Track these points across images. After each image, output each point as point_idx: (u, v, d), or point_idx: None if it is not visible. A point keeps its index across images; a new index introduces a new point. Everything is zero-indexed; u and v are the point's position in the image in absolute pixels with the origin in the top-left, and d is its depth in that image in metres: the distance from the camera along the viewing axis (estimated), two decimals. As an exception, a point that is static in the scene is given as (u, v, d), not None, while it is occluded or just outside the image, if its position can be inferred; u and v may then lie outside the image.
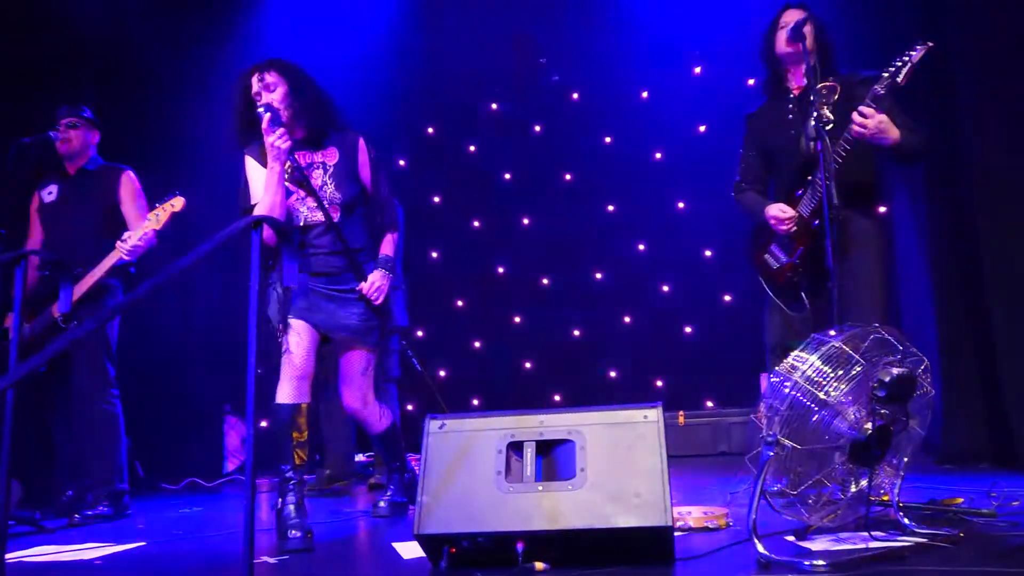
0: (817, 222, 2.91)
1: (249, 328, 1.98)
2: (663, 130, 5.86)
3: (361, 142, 3.01)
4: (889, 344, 2.14)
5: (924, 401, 2.22)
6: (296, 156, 2.86)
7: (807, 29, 2.96)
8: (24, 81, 4.59)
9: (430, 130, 6.48)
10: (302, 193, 2.88)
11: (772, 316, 3.21)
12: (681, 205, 6.02)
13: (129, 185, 3.85)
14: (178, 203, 3.60)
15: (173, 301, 5.37)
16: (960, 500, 2.56)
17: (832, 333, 2.16)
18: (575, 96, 6.32)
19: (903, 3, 4.32)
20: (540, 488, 2.08)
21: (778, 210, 3.04)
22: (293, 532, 2.63)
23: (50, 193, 3.87)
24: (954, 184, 3.99)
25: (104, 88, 4.98)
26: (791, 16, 3.08)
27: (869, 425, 2.08)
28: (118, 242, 3.58)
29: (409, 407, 5.63)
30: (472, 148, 6.50)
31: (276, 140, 2.74)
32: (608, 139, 6.23)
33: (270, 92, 2.85)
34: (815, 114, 2.79)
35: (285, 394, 2.80)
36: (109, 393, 3.68)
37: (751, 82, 5.41)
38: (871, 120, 2.75)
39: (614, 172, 6.09)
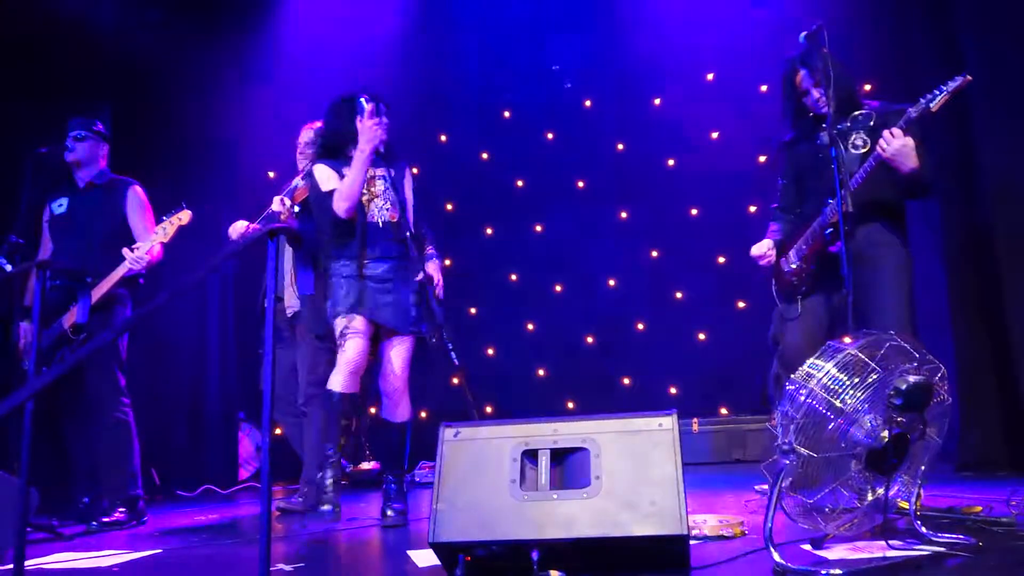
0: (829, 230, 3.02)
1: (265, 336, 1.99)
2: (676, 137, 5.86)
3: (408, 170, 3.59)
4: (905, 351, 2.12)
5: (941, 409, 2.21)
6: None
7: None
8: (42, 92, 4.65)
9: (443, 138, 6.51)
10: (371, 193, 3.41)
11: (775, 317, 3.37)
12: (694, 211, 6.02)
13: (135, 199, 3.88)
14: (185, 216, 3.63)
15: (188, 309, 5.41)
16: (979, 508, 2.54)
17: (848, 340, 2.15)
18: (588, 103, 6.33)
19: (917, 18, 4.31)
20: (555, 496, 2.08)
21: (756, 249, 3.29)
22: (324, 506, 3.01)
23: (60, 205, 3.91)
24: (970, 192, 3.98)
25: (120, 99, 5.03)
26: (805, 81, 3.16)
27: (886, 433, 2.07)
28: (125, 250, 3.61)
29: (423, 414, 5.63)
30: (485, 155, 6.52)
31: (376, 126, 3.30)
32: (621, 146, 6.24)
33: (384, 118, 3.45)
34: (828, 121, 2.82)
35: (338, 383, 3.24)
36: (120, 401, 3.71)
37: (764, 88, 5.41)
38: (896, 141, 2.83)
39: (627, 179, 6.09)
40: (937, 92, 2.84)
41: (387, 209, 3.40)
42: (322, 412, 3.75)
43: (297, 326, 4.03)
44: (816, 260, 3.13)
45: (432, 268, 3.52)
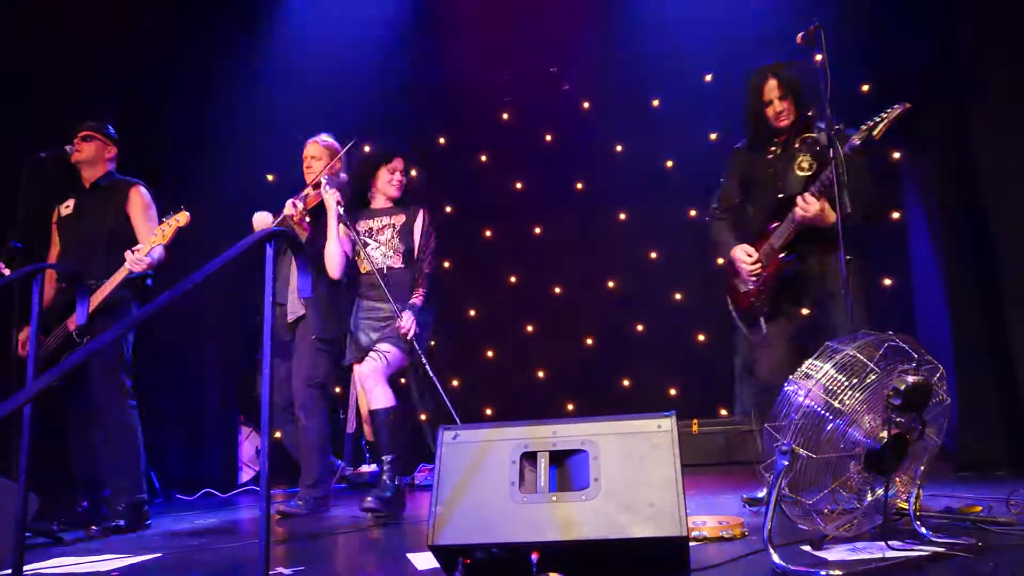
0: (783, 254, 3.15)
1: (264, 339, 1.99)
2: (675, 138, 5.86)
3: (421, 214, 3.88)
4: (904, 352, 2.12)
5: (940, 409, 2.21)
6: (377, 216, 3.88)
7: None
8: (45, 96, 4.66)
9: (441, 140, 6.51)
10: (377, 242, 3.82)
11: (740, 339, 3.39)
12: (693, 213, 6.01)
13: (138, 200, 3.88)
14: (183, 218, 3.63)
15: (187, 312, 5.40)
16: (979, 508, 2.54)
17: (846, 341, 2.15)
18: (586, 105, 6.33)
19: (915, 18, 4.32)
20: (554, 498, 2.08)
21: (743, 252, 3.25)
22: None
23: (67, 207, 3.93)
24: (969, 192, 3.98)
25: (121, 103, 5.04)
26: (772, 90, 3.24)
27: (885, 434, 2.07)
28: (127, 252, 3.62)
29: (422, 416, 5.63)
30: (483, 158, 6.52)
31: (334, 200, 3.75)
32: (619, 147, 6.23)
33: (402, 174, 3.92)
34: (826, 122, 2.86)
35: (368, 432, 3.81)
36: (126, 404, 3.70)
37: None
38: (812, 208, 3.01)
39: (626, 180, 6.09)
40: (878, 119, 2.93)
41: (390, 256, 3.79)
42: (319, 417, 3.95)
43: (298, 329, 4.05)
44: (774, 281, 3.21)
45: (405, 318, 3.67)
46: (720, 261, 3.55)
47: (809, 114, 3.24)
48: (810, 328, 3.19)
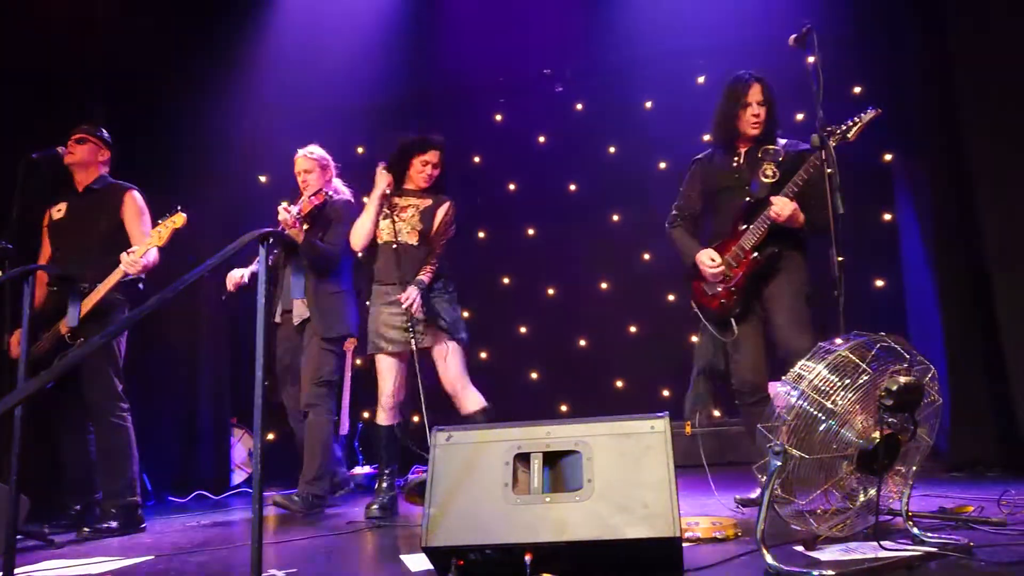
0: (756, 254, 3.25)
1: (256, 340, 1.99)
2: (667, 140, 5.86)
3: (446, 204, 3.93)
4: (896, 352, 2.13)
5: (932, 409, 2.22)
6: (406, 196, 3.92)
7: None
8: (38, 97, 4.64)
9: (435, 141, 6.49)
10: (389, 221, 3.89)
11: (703, 340, 3.49)
12: (687, 214, 6.03)
13: (133, 204, 3.87)
14: (179, 219, 3.62)
15: (181, 314, 5.39)
16: (970, 508, 2.55)
17: (839, 342, 2.16)
18: (579, 106, 6.34)
19: (907, 19, 4.33)
20: (547, 499, 2.08)
21: (707, 257, 3.34)
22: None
23: (59, 211, 3.92)
24: (960, 192, 3.99)
25: (113, 105, 5.02)
26: (756, 95, 3.34)
27: (877, 434, 2.08)
28: (121, 255, 3.61)
29: (415, 418, 5.62)
30: (476, 159, 6.52)
31: (383, 180, 3.86)
32: (612, 149, 6.24)
33: (435, 168, 3.93)
34: (818, 124, 2.91)
35: (381, 418, 3.79)
36: (118, 407, 3.68)
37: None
38: (786, 209, 3.14)
39: (619, 182, 6.09)
40: (851, 123, 3.06)
41: (406, 232, 3.84)
42: (325, 415, 4.01)
43: (305, 331, 4.08)
44: (745, 281, 3.29)
45: (409, 291, 3.73)
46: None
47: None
48: (773, 323, 3.31)
